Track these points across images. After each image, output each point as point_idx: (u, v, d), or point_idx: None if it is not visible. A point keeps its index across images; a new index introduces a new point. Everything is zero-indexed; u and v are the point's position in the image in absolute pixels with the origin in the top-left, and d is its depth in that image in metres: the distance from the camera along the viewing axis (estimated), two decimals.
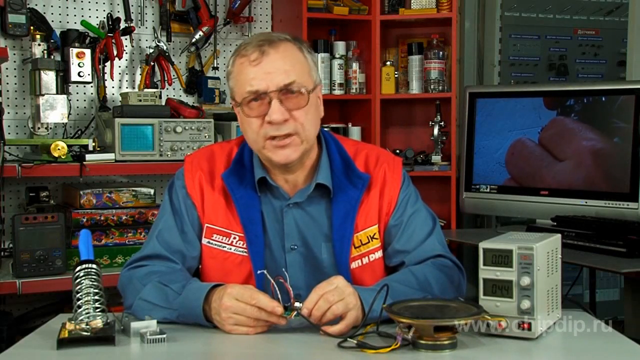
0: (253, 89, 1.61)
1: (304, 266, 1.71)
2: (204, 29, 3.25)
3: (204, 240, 1.72)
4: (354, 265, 1.71)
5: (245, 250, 1.68)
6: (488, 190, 3.24)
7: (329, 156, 1.74)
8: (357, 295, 1.50)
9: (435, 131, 3.32)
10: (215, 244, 1.71)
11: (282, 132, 1.61)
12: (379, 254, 1.74)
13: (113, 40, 3.07)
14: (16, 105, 3.05)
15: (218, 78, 3.36)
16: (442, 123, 3.32)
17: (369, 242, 1.72)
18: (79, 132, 3.10)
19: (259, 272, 1.63)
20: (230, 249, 1.70)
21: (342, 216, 1.70)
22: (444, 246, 1.76)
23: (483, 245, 1.45)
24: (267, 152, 1.64)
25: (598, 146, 2.91)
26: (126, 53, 3.19)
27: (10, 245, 2.75)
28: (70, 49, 2.94)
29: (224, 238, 1.70)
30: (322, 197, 1.73)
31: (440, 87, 3.34)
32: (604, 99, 2.94)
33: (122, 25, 3.12)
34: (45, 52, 2.88)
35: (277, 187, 1.71)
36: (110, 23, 3.12)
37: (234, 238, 1.70)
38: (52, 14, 3.10)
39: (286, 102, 1.61)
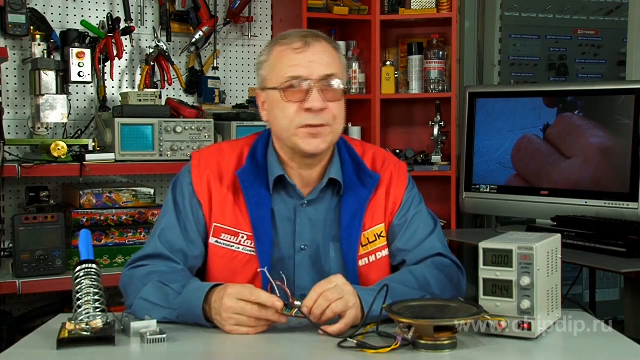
0: (295, 74, 1.63)
1: (312, 267, 1.72)
2: (204, 29, 3.25)
3: (212, 240, 1.72)
4: (361, 263, 1.72)
5: (253, 249, 1.68)
6: (488, 190, 3.24)
7: (339, 155, 1.76)
8: (357, 294, 1.51)
9: (435, 131, 3.32)
10: (224, 244, 1.71)
11: (319, 122, 1.63)
12: (386, 252, 1.75)
13: (113, 40, 3.07)
14: (16, 105, 3.05)
15: (218, 78, 3.36)
16: (442, 123, 3.32)
17: (376, 240, 1.74)
18: (79, 132, 3.10)
19: (258, 270, 1.63)
20: (239, 248, 1.70)
21: (351, 215, 1.71)
22: (445, 246, 1.78)
23: (483, 245, 1.45)
24: (297, 139, 1.65)
25: (603, 145, 2.91)
26: (126, 53, 3.19)
27: (10, 245, 2.75)
28: (70, 49, 2.94)
29: (232, 237, 1.70)
30: (332, 195, 1.74)
31: (440, 87, 3.34)
32: (603, 99, 2.94)
33: (122, 25, 3.12)
34: (45, 52, 2.88)
35: (293, 186, 1.72)
36: (110, 23, 3.12)
37: (242, 237, 1.70)
38: (52, 14, 3.10)
39: (324, 93, 1.64)
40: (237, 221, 1.70)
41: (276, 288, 1.50)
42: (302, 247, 1.72)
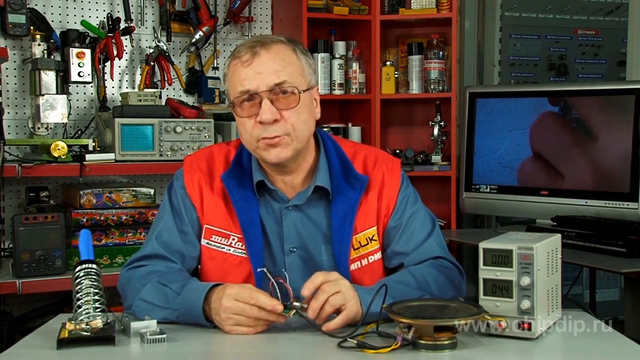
0: (244, 89, 1.62)
1: (303, 269, 1.71)
2: (204, 29, 3.25)
3: (203, 241, 1.73)
4: (353, 267, 1.71)
5: (244, 251, 1.69)
6: (488, 190, 3.24)
7: (327, 158, 1.74)
8: (354, 288, 1.51)
9: (435, 131, 3.32)
10: (214, 245, 1.71)
11: (272, 134, 1.62)
12: (378, 255, 1.74)
13: (113, 40, 3.07)
14: (16, 105, 3.05)
15: (218, 78, 3.36)
16: (442, 123, 3.32)
17: (367, 243, 1.72)
18: (79, 132, 3.10)
19: (258, 270, 1.63)
20: (229, 250, 1.70)
21: (341, 218, 1.70)
22: (443, 248, 1.76)
23: (483, 245, 1.45)
24: (260, 151, 1.65)
25: (602, 145, 2.91)
26: (126, 53, 3.19)
27: (10, 245, 2.75)
28: (70, 49, 2.94)
29: (223, 239, 1.71)
30: (320, 199, 1.73)
31: (440, 87, 3.34)
32: (603, 99, 2.94)
33: (122, 25, 3.12)
34: (45, 52, 2.88)
35: (275, 190, 1.71)
36: (110, 23, 3.12)
37: (233, 239, 1.70)
38: (52, 14, 3.10)
39: (277, 103, 1.62)
40: (227, 223, 1.71)
41: (277, 287, 1.50)
42: (291, 249, 1.72)
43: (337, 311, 1.48)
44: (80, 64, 2.94)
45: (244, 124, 1.65)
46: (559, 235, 1.56)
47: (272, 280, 1.51)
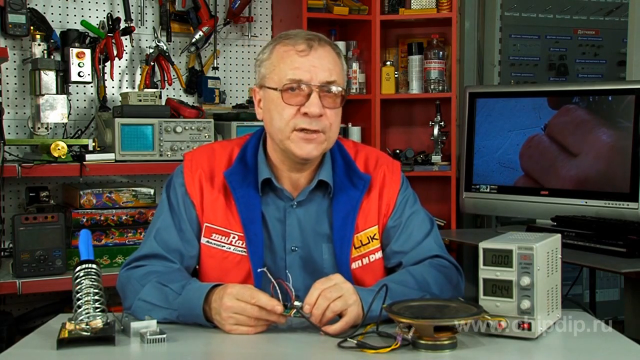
0: (296, 78, 1.63)
1: (304, 268, 1.71)
2: (204, 29, 3.25)
3: (203, 240, 1.72)
4: (354, 265, 1.71)
5: (244, 249, 1.68)
6: (488, 190, 3.24)
7: (331, 157, 1.75)
8: (356, 292, 1.51)
9: (435, 131, 3.32)
10: (214, 244, 1.71)
11: (314, 127, 1.63)
12: (379, 254, 1.74)
13: (113, 40, 3.07)
14: (16, 105, 3.05)
15: (218, 78, 3.36)
16: (442, 123, 3.32)
17: (369, 242, 1.73)
18: (79, 132, 3.10)
19: (259, 270, 1.63)
20: (230, 248, 1.70)
21: (343, 217, 1.70)
22: (442, 247, 1.77)
23: (483, 245, 1.45)
24: (290, 143, 1.65)
25: (602, 145, 2.91)
26: (126, 53, 3.19)
27: (10, 245, 2.75)
28: (70, 49, 2.94)
29: (223, 237, 1.70)
30: (323, 197, 1.73)
31: (440, 87, 3.34)
32: (603, 99, 2.94)
33: (122, 25, 3.12)
34: (45, 52, 2.88)
35: (281, 189, 1.71)
36: (110, 23, 3.12)
37: (233, 237, 1.70)
38: (52, 14, 3.10)
39: (323, 99, 1.63)
40: (228, 221, 1.70)
41: (277, 287, 1.50)
42: (293, 248, 1.72)
43: (339, 314, 1.48)
44: (80, 64, 2.94)
45: (281, 111, 1.64)
46: (559, 235, 1.56)
47: (274, 281, 1.51)
